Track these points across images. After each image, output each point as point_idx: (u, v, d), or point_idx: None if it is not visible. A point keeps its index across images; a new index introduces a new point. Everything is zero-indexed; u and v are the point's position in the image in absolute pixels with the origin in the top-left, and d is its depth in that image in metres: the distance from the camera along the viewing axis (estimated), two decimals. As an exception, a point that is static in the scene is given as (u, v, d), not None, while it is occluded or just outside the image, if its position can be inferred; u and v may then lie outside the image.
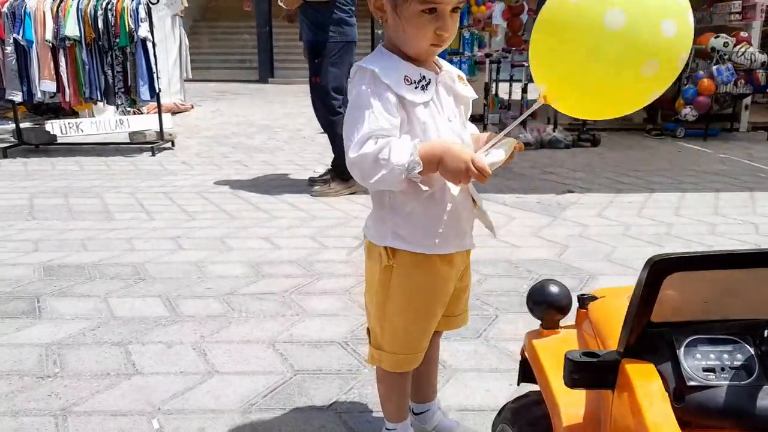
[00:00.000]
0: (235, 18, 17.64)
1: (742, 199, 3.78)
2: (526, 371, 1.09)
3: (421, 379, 1.44)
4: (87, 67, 5.06)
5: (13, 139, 5.63)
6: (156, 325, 2.07)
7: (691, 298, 0.80)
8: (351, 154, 1.09)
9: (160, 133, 5.58)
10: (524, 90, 5.69)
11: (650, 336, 0.78)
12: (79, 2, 5.01)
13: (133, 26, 4.98)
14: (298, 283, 2.43)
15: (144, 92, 5.18)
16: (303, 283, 2.44)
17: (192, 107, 9.05)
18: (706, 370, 0.75)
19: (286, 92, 12.10)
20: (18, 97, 5.16)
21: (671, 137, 6.30)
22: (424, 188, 1.15)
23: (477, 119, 6.20)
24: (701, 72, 5.93)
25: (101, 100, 5.27)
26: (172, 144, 5.77)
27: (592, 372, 0.79)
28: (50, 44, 5.01)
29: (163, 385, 1.70)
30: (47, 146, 5.60)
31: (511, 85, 6.46)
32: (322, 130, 4.24)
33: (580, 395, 0.90)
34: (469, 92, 1.26)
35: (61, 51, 5.02)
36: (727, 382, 0.74)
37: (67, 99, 5.20)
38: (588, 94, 1.12)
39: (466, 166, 1.05)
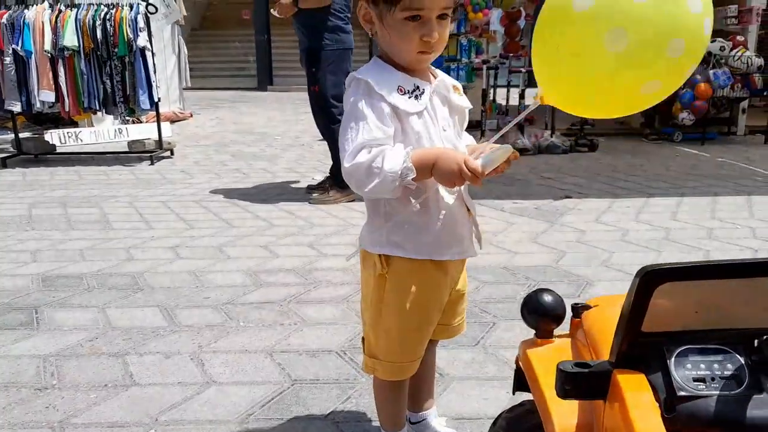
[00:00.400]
0: (234, 26, 17.72)
1: (740, 203, 3.79)
2: (521, 380, 1.09)
3: (417, 387, 1.45)
4: (86, 76, 5.08)
5: (12, 149, 5.65)
6: (154, 336, 2.07)
7: (682, 308, 0.80)
8: (346, 164, 1.10)
9: (159, 142, 5.60)
10: (522, 95, 5.71)
11: (641, 346, 0.79)
12: (77, 13, 5.04)
13: (131, 36, 5.01)
14: (296, 292, 2.43)
15: (143, 101, 5.20)
16: (301, 291, 2.44)
17: (191, 115, 9.08)
18: (696, 380, 0.75)
19: (285, 99, 12.13)
20: (17, 108, 5.18)
21: (669, 141, 6.31)
22: (419, 196, 1.16)
23: (474, 125, 6.21)
24: (698, 76, 5.95)
25: (100, 110, 5.29)
26: (171, 153, 5.78)
27: (584, 382, 0.79)
28: (49, 54, 5.03)
29: (161, 395, 1.70)
30: (46, 156, 5.62)
31: (508, 91, 6.48)
32: (321, 138, 4.26)
33: (573, 405, 0.90)
34: (464, 102, 1.27)
35: (60, 61, 5.04)
36: (718, 392, 0.74)
37: (66, 109, 5.21)
38: (584, 104, 1.14)
39: (459, 167, 1.06)
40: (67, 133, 5.58)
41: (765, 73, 6.09)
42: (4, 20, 5.00)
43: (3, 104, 5.20)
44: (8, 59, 5.03)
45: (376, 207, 1.22)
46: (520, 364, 1.07)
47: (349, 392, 1.71)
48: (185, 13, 8.75)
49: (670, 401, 0.74)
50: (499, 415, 1.14)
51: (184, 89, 9.26)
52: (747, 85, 6.01)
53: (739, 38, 6.16)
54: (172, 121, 7.71)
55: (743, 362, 0.77)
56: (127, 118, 5.75)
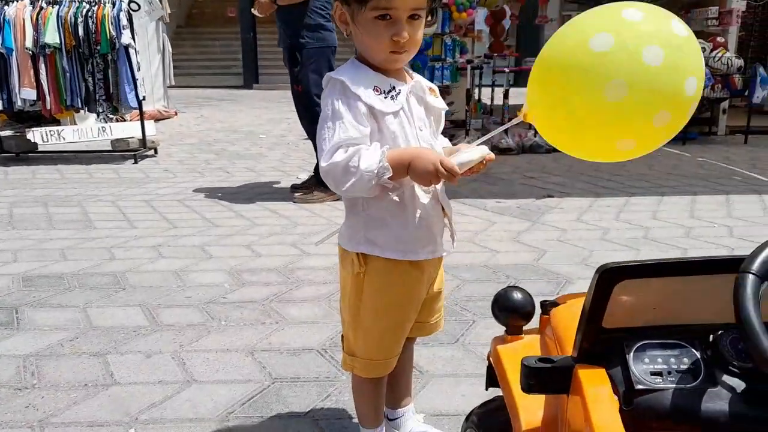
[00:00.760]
0: (220, 24, 17.62)
1: (718, 203, 3.86)
2: (493, 376, 1.11)
3: (395, 384, 1.47)
4: (68, 74, 5.04)
5: (-7, 148, 5.58)
6: (135, 335, 2.08)
7: (641, 305, 0.83)
8: (323, 163, 1.12)
9: (143, 141, 5.57)
10: (506, 95, 5.75)
11: (603, 342, 0.82)
12: (59, 10, 4.99)
13: (114, 33, 4.98)
14: (278, 291, 2.45)
15: (130, 99, 5.17)
16: (283, 290, 2.46)
17: (176, 114, 9.02)
18: (653, 374, 0.78)
19: (271, 98, 12.10)
20: (-2, 106, 5.12)
21: (651, 141, 6.39)
22: (395, 194, 1.18)
23: (459, 125, 6.25)
24: (679, 77, 6.02)
25: (82, 108, 5.25)
26: (155, 151, 5.75)
27: (547, 377, 0.82)
28: (30, 52, 4.98)
29: (141, 395, 1.71)
30: (28, 155, 5.56)
31: (493, 91, 6.52)
32: (306, 137, 4.26)
33: (539, 400, 0.92)
34: (439, 104, 1.29)
35: (41, 58, 5.00)
36: (674, 386, 0.77)
37: (48, 107, 5.17)
38: (562, 137, 1.16)
39: (435, 166, 1.08)
40: (50, 131, 5.52)
41: (745, 74, 6.18)
42: (-16, 17, 4.94)
43: (-17, 102, 5.14)
44: (-12, 56, 4.97)
45: (353, 206, 1.23)
46: (491, 360, 1.09)
47: (329, 390, 1.73)
48: (169, 11, 8.70)
49: (628, 395, 0.76)
50: (472, 411, 1.16)
51: (168, 87, 9.20)
52: (727, 85, 6.10)
53: (720, 39, 6.25)
54: (157, 120, 7.66)
55: (699, 357, 0.80)
56: (111, 116, 5.71)
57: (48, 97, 5.10)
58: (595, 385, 0.77)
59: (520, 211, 3.67)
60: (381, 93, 1.16)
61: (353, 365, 1.31)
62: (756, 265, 0.72)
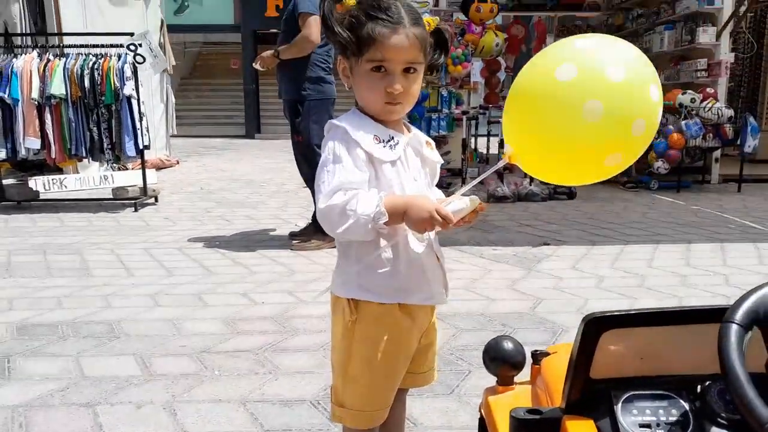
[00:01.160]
0: (223, 76, 18.06)
1: (714, 251, 3.87)
2: (485, 428, 1.10)
3: (387, 438, 1.44)
4: (73, 124, 5.14)
5: (-5, 196, 5.63)
6: (127, 385, 2.05)
7: (628, 355, 0.84)
8: (321, 205, 1.13)
9: (144, 189, 5.62)
10: (501, 145, 5.84)
11: (590, 392, 0.82)
12: (66, 62, 5.14)
13: (118, 84, 5.10)
14: (273, 340, 2.43)
15: (129, 148, 5.25)
16: (278, 339, 2.44)
17: (177, 162, 9.14)
18: (642, 425, 0.78)
19: (272, 147, 12.27)
20: (1, 154, 5.20)
21: (646, 189, 6.46)
22: (390, 239, 1.20)
23: (456, 173, 6.33)
24: (671, 126, 6.14)
25: (86, 157, 5.33)
26: (156, 199, 5.80)
27: (536, 429, 0.81)
28: (36, 102, 5.10)
29: (131, 447, 1.68)
30: (30, 203, 5.61)
31: (488, 140, 6.64)
32: (305, 185, 4.31)
33: (530, 452, 0.91)
34: (435, 157, 1.32)
35: (47, 109, 5.11)
36: (662, 437, 0.77)
37: (53, 156, 5.25)
38: (550, 169, 1.20)
39: (430, 213, 1.09)
40: (52, 179, 5.59)
41: (736, 123, 6.31)
42: (-7, 69, 5.08)
43: (-13, 151, 5.23)
44: (-5, 107, 5.09)
45: (347, 250, 1.25)
46: (482, 411, 1.09)
47: (322, 442, 1.70)
48: (174, 63, 8.95)
49: (616, 447, 0.76)
50: (464, 463, 1.14)
51: (171, 137, 9.36)
52: (718, 135, 6.21)
53: (709, 90, 6.39)
54: (159, 168, 7.75)
55: (687, 408, 0.80)
56: (114, 165, 5.79)
57: (53, 147, 5.19)
58: (583, 437, 0.77)
59: (517, 259, 3.68)
60: (380, 142, 1.19)
61: (342, 417, 1.29)
62: (739, 314, 0.73)
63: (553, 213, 5.17)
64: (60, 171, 6.31)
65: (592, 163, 1.13)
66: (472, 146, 6.39)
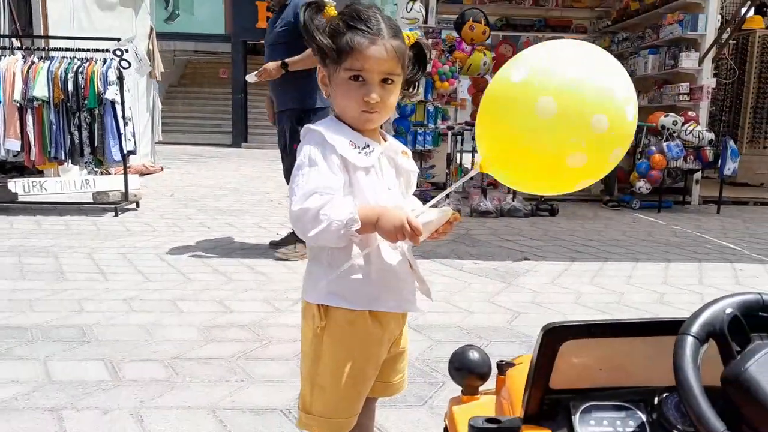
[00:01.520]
0: (212, 84, 18.05)
1: (691, 270, 3.91)
2: (449, 438, 1.10)
3: (355, 448, 1.43)
4: (54, 127, 5.10)
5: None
6: (95, 390, 2.02)
7: (587, 366, 0.84)
8: (294, 207, 1.13)
9: (125, 194, 5.57)
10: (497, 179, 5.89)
11: (549, 402, 0.82)
12: (50, 65, 5.10)
13: (101, 89, 5.07)
14: (247, 348, 2.40)
15: (113, 153, 5.21)
16: (252, 347, 2.41)
17: (162, 169, 9.08)
18: (599, 436, 0.78)
19: (259, 156, 12.25)
20: (-20, 155, 5.14)
21: (627, 208, 6.53)
22: (361, 247, 1.19)
23: (441, 187, 6.36)
24: (653, 148, 6.24)
25: (66, 160, 5.27)
26: (137, 205, 5.75)
27: (495, 438, 0.81)
28: (18, 104, 5.04)
29: (94, 453, 1.64)
30: (8, 205, 5.52)
31: (473, 156, 6.68)
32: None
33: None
34: (411, 166, 1.32)
35: (29, 111, 5.06)
36: (618, 448, 0.77)
37: (32, 158, 5.19)
38: (517, 173, 1.20)
39: (401, 223, 1.10)
40: (32, 182, 5.52)
41: (717, 147, 6.42)
42: (-25, 70, 5.03)
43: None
44: (-24, 107, 5.03)
45: (318, 256, 1.24)
46: (446, 421, 1.08)
47: (290, 452, 1.67)
48: (162, 70, 8.93)
49: (572, 457, 0.76)
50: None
51: (157, 143, 9.31)
52: (699, 157, 6.31)
53: (691, 114, 6.51)
54: (142, 174, 7.70)
55: (644, 419, 0.80)
56: (96, 169, 5.72)
57: (33, 149, 5.13)
58: (540, 446, 0.76)
59: (497, 273, 3.69)
60: (355, 147, 1.19)
61: (309, 424, 1.27)
62: (695, 327, 0.74)
63: (534, 229, 5.21)
64: (40, 174, 6.24)
65: (553, 163, 1.09)
66: (458, 161, 6.43)
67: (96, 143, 5.18)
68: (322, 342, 1.23)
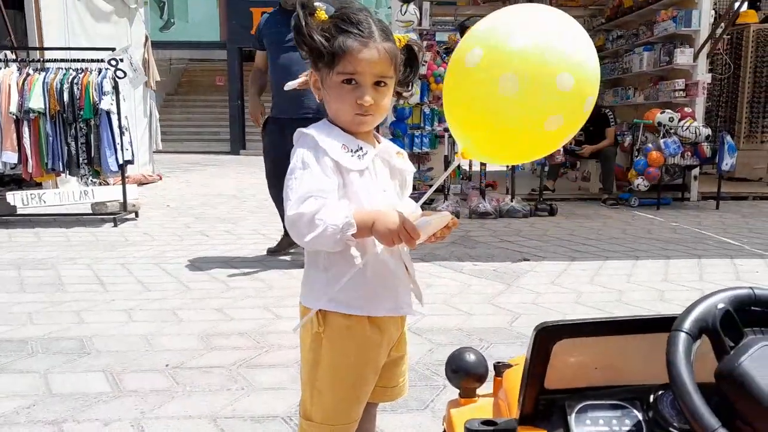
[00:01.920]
0: (209, 92, 18.07)
1: (691, 266, 3.91)
2: (448, 442, 1.09)
3: (356, 453, 1.42)
4: (50, 138, 5.10)
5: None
6: (96, 401, 2.01)
7: (582, 365, 0.84)
8: (289, 212, 1.12)
9: (124, 204, 5.57)
10: (483, 162, 5.89)
11: (544, 403, 0.81)
12: (45, 76, 5.11)
13: (97, 99, 5.08)
14: (247, 356, 2.40)
15: (110, 163, 5.22)
16: (252, 355, 2.41)
17: (160, 178, 9.08)
18: (595, 435, 0.78)
19: (257, 163, 12.21)
20: (-22, 169, 5.14)
21: (626, 206, 6.53)
22: (358, 251, 1.19)
23: (439, 189, 6.36)
24: (650, 145, 6.24)
25: (63, 171, 5.28)
26: (136, 215, 5.75)
27: (491, 440, 0.81)
28: (14, 116, 5.05)
29: (95, 465, 1.64)
30: (7, 218, 5.52)
31: (454, 147, 6.69)
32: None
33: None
34: (406, 166, 1.32)
35: (25, 123, 5.06)
36: (615, 448, 0.77)
37: (30, 170, 5.19)
38: (498, 151, 1.20)
39: (397, 228, 1.09)
40: (30, 194, 5.51)
41: (714, 142, 6.42)
42: (-30, 83, 5.04)
43: (-36, 165, 5.17)
44: (-27, 121, 5.04)
45: (315, 260, 1.24)
46: (445, 425, 1.08)
47: (292, 459, 1.67)
48: (158, 79, 8.94)
49: (568, 457, 0.76)
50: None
51: (155, 152, 9.31)
52: (696, 153, 6.31)
53: (687, 110, 6.51)
54: (141, 184, 7.70)
55: (640, 418, 0.80)
56: (93, 180, 5.72)
57: (30, 161, 5.13)
58: (536, 448, 0.76)
59: (496, 275, 3.69)
60: (348, 151, 1.19)
61: (309, 431, 1.27)
62: (688, 323, 0.74)
63: (533, 229, 5.20)
64: (39, 186, 6.24)
65: (532, 133, 1.10)
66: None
67: (93, 154, 5.18)
68: (320, 347, 1.23)
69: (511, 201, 5.74)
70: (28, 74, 5.14)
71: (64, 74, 5.15)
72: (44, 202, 5.54)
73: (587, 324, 0.80)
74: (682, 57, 6.76)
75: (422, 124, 6.06)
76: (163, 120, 9.89)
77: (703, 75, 6.86)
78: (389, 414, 1.88)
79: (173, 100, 18.08)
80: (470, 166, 6.72)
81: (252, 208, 6.48)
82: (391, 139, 6.16)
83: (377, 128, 1.32)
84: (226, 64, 16.93)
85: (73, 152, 5.15)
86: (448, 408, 1.09)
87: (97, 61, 5.27)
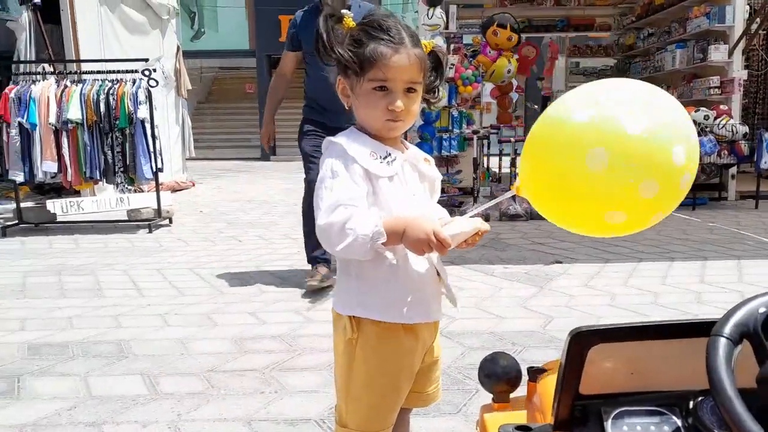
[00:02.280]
0: (239, 99, 18.33)
1: (729, 267, 3.80)
2: (482, 446, 1.09)
3: (389, 458, 1.42)
4: (88, 148, 5.26)
5: (13, 218, 5.75)
6: (134, 404, 2.06)
7: (618, 370, 0.82)
8: (320, 221, 1.13)
9: (158, 211, 5.69)
10: (513, 164, 5.84)
11: (580, 408, 0.80)
12: (82, 88, 5.26)
13: (132, 109, 5.21)
14: (280, 359, 2.43)
15: (144, 171, 5.35)
16: (285, 358, 2.44)
17: (193, 184, 9.25)
18: (633, 442, 0.77)
19: (287, 169, 12.37)
20: (19, 178, 5.33)
21: (661, 207, 6.38)
22: (389, 258, 1.19)
23: (468, 192, 6.32)
24: (685, 144, 6.09)
25: (101, 179, 5.43)
26: (170, 221, 5.87)
27: (526, 446, 0.80)
28: (53, 127, 5.22)
29: (134, 466, 1.68)
30: (47, 225, 5.70)
31: (500, 160, 6.64)
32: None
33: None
34: (434, 172, 1.32)
35: (64, 133, 5.23)
36: (653, 454, 0.75)
37: (69, 178, 5.35)
38: (551, 210, 1.14)
39: (428, 237, 1.09)
40: (69, 202, 5.69)
41: (751, 140, 6.24)
42: (12, 95, 5.22)
43: (6, 174, 5.35)
44: (14, 131, 5.22)
45: (346, 268, 1.24)
46: (478, 429, 1.07)
47: (325, 462, 1.68)
48: (189, 87, 9.12)
49: (606, 463, 0.75)
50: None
51: (187, 159, 9.49)
52: (734, 151, 6.13)
53: (723, 107, 6.34)
54: (174, 190, 7.85)
55: (680, 425, 0.78)
56: (129, 187, 5.87)
57: (69, 170, 5.30)
58: (572, 454, 0.75)
59: (528, 277, 3.65)
60: (377, 158, 1.19)
61: (345, 437, 1.28)
62: (728, 328, 0.72)
63: (565, 232, 5.10)
64: (77, 194, 6.42)
65: (591, 215, 1.06)
66: (485, 165, 6.39)
67: (128, 162, 5.32)
68: (354, 353, 1.23)
69: (542, 203, 5.66)
70: (65, 86, 5.31)
71: (100, 85, 5.30)
72: (82, 209, 5.70)
73: (623, 329, 0.79)
74: (717, 54, 6.59)
75: (450, 127, 6.04)
76: (194, 128, 10.06)
77: (738, 72, 6.67)
78: (421, 418, 1.88)
79: (204, 108, 18.39)
80: (499, 168, 6.67)
81: (282, 213, 6.55)
82: (419, 143, 6.10)
83: (405, 132, 1.32)
84: (255, 72, 17.15)
85: (110, 161, 5.30)
86: (481, 413, 1.08)
87: (132, 71, 5.41)
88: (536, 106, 14.13)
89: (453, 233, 1.12)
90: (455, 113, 6.02)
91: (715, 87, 6.68)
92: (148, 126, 5.31)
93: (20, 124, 5.19)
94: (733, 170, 6.73)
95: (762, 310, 0.72)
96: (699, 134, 6.02)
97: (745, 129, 6.18)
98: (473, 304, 3.09)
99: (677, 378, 0.81)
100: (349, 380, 1.25)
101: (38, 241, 5.15)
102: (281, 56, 3.66)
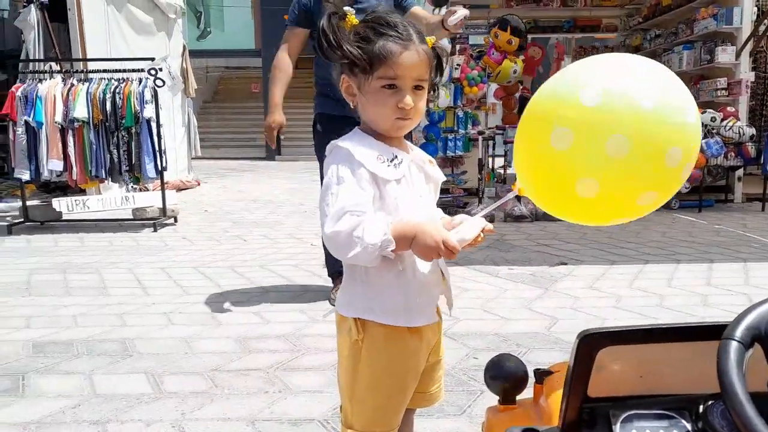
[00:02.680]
0: (244, 99, 18.36)
1: (735, 270, 3.78)
2: (488, 448, 1.08)
3: (394, 458, 1.42)
4: (94, 146, 5.27)
5: (20, 217, 5.77)
6: (138, 403, 2.06)
7: (627, 373, 0.82)
8: (326, 229, 1.12)
9: (163, 209, 5.71)
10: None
11: (588, 411, 0.80)
12: (89, 87, 5.28)
13: (138, 108, 5.23)
14: (284, 359, 2.42)
15: (149, 170, 5.36)
16: (289, 358, 2.43)
17: (198, 184, 9.26)
18: (642, 445, 0.76)
19: (292, 169, 12.39)
20: (25, 176, 5.34)
21: (666, 209, 6.35)
22: (395, 263, 1.19)
23: (473, 192, 6.32)
24: (691, 145, 6.06)
25: (106, 178, 5.44)
26: (175, 220, 5.88)
27: (532, 449, 0.80)
28: (59, 125, 5.23)
29: (138, 465, 1.68)
30: (53, 223, 5.72)
31: (505, 160, 6.62)
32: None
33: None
34: (438, 174, 1.32)
35: (70, 132, 5.24)
36: (662, 458, 0.74)
37: (74, 177, 5.37)
38: (567, 207, 1.10)
39: (437, 245, 1.08)
40: (75, 200, 5.71)
41: (758, 142, 6.21)
42: (19, 93, 5.24)
43: (12, 172, 5.38)
44: (20, 130, 5.24)
45: (352, 271, 1.24)
46: (484, 431, 1.07)
47: (329, 462, 1.68)
48: (195, 87, 9.14)
49: (614, 467, 0.74)
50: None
51: (193, 158, 9.51)
52: (740, 153, 6.10)
53: (730, 109, 6.31)
54: (179, 189, 7.87)
55: (689, 428, 0.78)
56: (134, 186, 5.89)
57: (74, 168, 5.31)
58: (580, 457, 0.75)
59: (533, 279, 3.63)
60: (384, 161, 1.18)
61: (350, 439, 1.27)
62: (739, 331, 0.71)
63: (571, 232, 5.11)
64: (83, 192, 6.44)
65: (622, 205, 1.00)
66: (490, 166, 6.38)
67: (133, 161, 5.33)
68: (359, 355, 1.22)
69: (547, 204, 5.64)
70: (72, 85, 5.32)
71: (107, 84, 5.32)
72: (88, 207, 5.72)
73: (632, 331, 0.79)
74: (724, 55, 6.56)
75: (455, 128, 6.04)
76: (200, 127, 10.09)
77: (746, 73, 6.64)
78: (426, 419, 1.87)
79: (209, 108, 18.44)
80: (504, 169, 6.66)
81: (287, 213, 6.55)
82: (424, 143, 6.09)
83: (410, 132, 1.31)
84: (261, 72, 17.18)
85: (116, 159, 5.31)
86: (487, 414, 1.07)
87: (138, 71, 5.43)
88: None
89: (461, 239, 1.11)
90: (460, 114, 6.02)
91: (722, 89, 6.65)
92: (153, 125, 5.32)
93: (26, 123, 5.21)
94: (740, 172, 6.70)
95: None
96: (705, 136, 6.02)
97: (752, 131, 6.15)
98: (478, 306, 3.08)
99: (687, 381, 0.81)
100: (355, 382, 1.24)
101: (44, 239, 5.16)
102: (285, 33, 3.09)
